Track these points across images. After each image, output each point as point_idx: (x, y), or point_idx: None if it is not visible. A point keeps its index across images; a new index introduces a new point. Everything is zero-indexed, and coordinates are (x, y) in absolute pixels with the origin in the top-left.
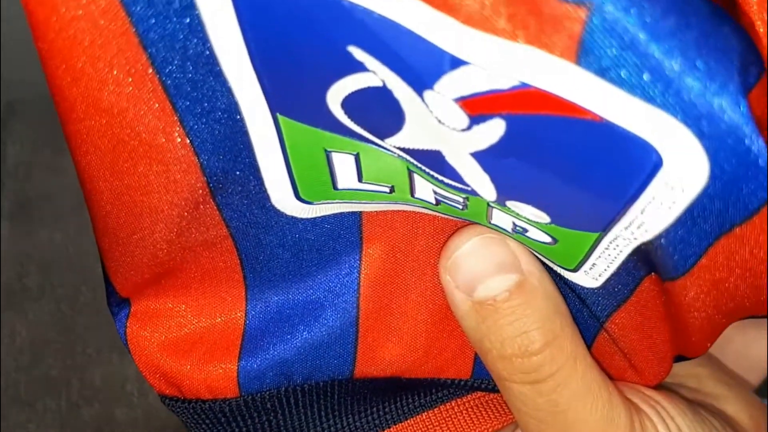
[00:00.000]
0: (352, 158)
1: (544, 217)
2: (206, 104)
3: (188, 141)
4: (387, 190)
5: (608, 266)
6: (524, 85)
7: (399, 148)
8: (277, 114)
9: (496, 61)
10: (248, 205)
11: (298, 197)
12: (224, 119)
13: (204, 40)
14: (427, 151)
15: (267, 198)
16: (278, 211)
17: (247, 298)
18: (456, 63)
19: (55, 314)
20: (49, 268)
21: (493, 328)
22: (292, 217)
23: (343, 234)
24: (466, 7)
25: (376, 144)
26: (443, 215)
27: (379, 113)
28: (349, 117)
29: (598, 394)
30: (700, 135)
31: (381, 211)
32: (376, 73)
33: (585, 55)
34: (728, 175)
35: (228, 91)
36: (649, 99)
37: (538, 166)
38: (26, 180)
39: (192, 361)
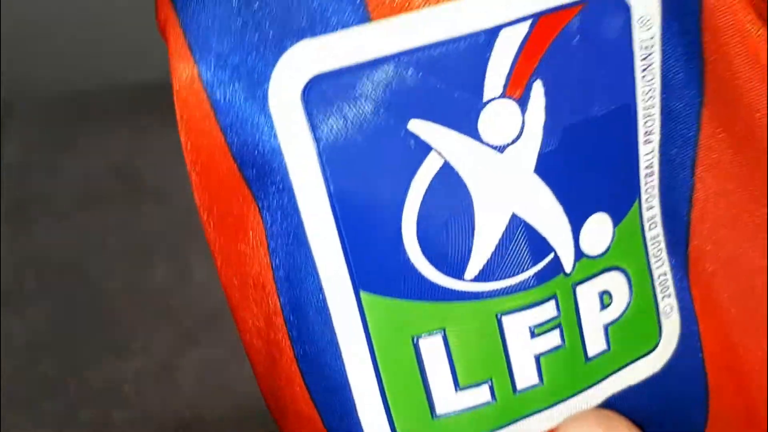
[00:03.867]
0: (440, 342)
1: (607, 226)
2: (304, 309)
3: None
4: (488, 396)
5: (661, 247)
6: (536, 15)
7: (480, 275)
8: (361, 291)
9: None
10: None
11: None
12: (317, 312)
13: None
14: (503, 239)
15: None
16: None
17: None
18: (495, 31)
19: (52, 316)
20: (47, 269)
21: None
22: None
23: None
24: None
25: (456, 293)
26: (547, 413)
27: (449, 221)
28: (424, 252)
29: None
30: None
31: None
32: (436, 146)
33: None
34: None
35: (314, 268)
36: None
37: (579, 103)
38: (25, 180)
39: None
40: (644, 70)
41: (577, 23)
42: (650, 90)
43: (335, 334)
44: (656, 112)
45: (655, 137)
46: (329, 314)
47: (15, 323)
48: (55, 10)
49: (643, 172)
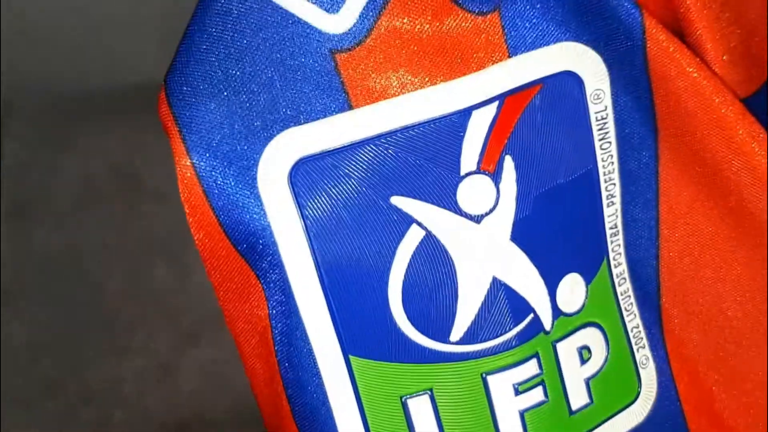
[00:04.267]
0: (428, 402)
1: (580, 285)
2: (297, 372)
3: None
4: None
5: (631, 301)
6: (502, 96)
7: (464, 338)
8: (350, 355)
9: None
10: None
11: None
12: (310, 374)
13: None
14: (486, 301)
15: None
16: None
17: None
18: (468, 112)
19: (52, 315)
20: (47, 269)
21: None
22: None
23: None
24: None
25: (442, 355)
26: None
27: (433, 288)
28: (409, 317)
29: None
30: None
31: None
32: (418, 219)
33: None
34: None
35: (306, 335)
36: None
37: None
38: (25, 180)
39: None
40: (601, 139)
41: (538, 101)
42: (608, 156)
43: (327, 395)
44: (616, 176)
45: (617, 199)
46: (321, 377)
47: (15, 323)
48: (56, 11)
49: (608, 232)
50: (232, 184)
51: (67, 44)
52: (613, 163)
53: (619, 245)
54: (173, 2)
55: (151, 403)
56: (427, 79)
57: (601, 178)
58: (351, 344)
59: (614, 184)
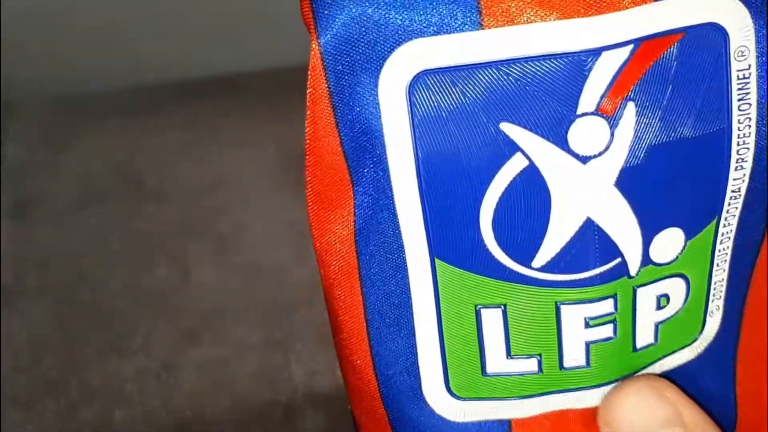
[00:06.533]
0: (500, 315)
1: (679, 239)
2: (382, 266)
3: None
4: (535, 367)
5: (726, 258)
6: (638, 40)
7: (546, 266)
8: (435, 258)
9: (616, 28)
10: (404, 396)
11: (448, 389)
12: (395, 269)
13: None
14: (574, 238)
15: (419, 386)
16: (428, 407)
17: None
18: (598, 52)
19: (53, 314)
20: (47, 268)
21: None
22: (441, 419)
23: None
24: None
25: (521, 277)
26: (593, 391)
27: (525, 215)
28: (497, 237)
29: None
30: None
31: (530, 417)
32: (524, 148)
33: None
34: None
35: (398, 232)
36: None
37: (669, 124)
38: (25, 180)
39: None
40: (740, 99)
41: (676, 50)
42: (746, 119)
43: (410, 289)
44: (751, 140)
45: (748, 164)
46: (407, 272)
47: (15, 322)
48: (55, 12)
49: (729, 195)
50: (355, 83)
51: (67, 45)
52: (750, 126)
53: (737, 208)
54: (172, 4)
55: (152, 402)
56: (564, 11)
57: (734, 140)
58: (438, 248)
59: (747, 149)
